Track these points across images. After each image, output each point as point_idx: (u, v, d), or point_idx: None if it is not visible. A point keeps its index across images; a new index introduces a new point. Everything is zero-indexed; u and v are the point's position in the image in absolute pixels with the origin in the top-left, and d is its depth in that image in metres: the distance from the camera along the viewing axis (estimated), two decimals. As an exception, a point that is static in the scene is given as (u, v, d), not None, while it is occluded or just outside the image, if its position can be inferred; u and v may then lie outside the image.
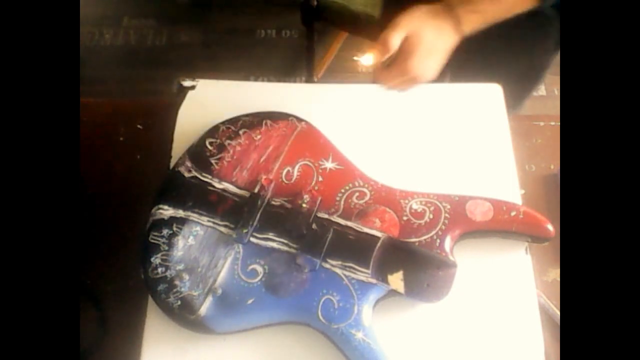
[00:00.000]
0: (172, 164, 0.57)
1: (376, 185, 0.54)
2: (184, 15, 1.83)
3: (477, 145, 0.59)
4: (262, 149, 0.55)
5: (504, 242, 0.53)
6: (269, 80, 1.67)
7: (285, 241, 0.51)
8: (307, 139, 0.56)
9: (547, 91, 1.55)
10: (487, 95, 0.62)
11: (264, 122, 0.57)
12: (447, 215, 0.52)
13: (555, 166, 0.67)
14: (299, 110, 0.58)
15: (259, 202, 0.52)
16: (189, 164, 0.55)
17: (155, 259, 0.50)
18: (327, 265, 0.50)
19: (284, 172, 0.54)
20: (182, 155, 0.56)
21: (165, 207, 0.53)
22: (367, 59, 0.64)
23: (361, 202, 0.53)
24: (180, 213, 0.52)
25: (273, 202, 0.53)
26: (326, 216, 0.52)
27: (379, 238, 0.51)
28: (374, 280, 0.49)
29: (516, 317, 0.51)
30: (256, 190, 0.53)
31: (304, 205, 0.52)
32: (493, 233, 0.52)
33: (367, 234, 0.51)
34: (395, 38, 0.58)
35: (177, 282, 0.49)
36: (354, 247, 0.50)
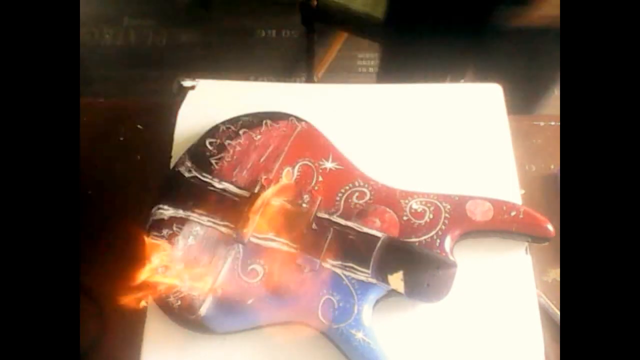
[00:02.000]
0: (172, 164, 0.57)
1: (376, 185, 0.54)
2: (184, 15, 1.83)
3: (477, 145, 0.59)
4: (262, 149, 0.55)
5: (504, 242, 0.53)
6: (269, 80, 1.67)
7: (285, 241, 0.51)
8: (307, 139, 0.56)
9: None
10: (487, 95, 0.62)
11: (264, 122, 0.57)
12: (447, 215, 0.52)
13: (555, 166, 0.67)
14: (299, 110, 0.58)
15: (259, 202, 0.52)
16: (189, 164, 0.55)
17: (156, 259, 0.50)
18: (327, 265, 0.50)
19: (284, 172, 0.54)
20: (182, 155, 0.56)
21: (165, 207, 0.53)
22: None
23: (361, 202, 0.53)
24: (180, 213, 0.52)
25: (273, 202, 0.53)
26: (326, 216, 0.52)
27: (379, 238, 0.51)
28: (374, 280, 0.49)
29: (516, 317, 0.51)
30: (256, 190, 0.53)
31: (304, 205, 0.52)
32: (493, 233, 0.52)
33: (367, 234, 0.51)
34: None
35: (177, 282, 0.49)
36: (354, 247, 0.51)
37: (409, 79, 0.64)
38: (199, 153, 0.55)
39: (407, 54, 0.92)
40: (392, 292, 0.49)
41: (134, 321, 0.51)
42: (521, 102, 0.73)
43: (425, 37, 0.82)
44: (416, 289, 0.49)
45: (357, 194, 0.53)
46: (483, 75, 0.89)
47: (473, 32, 0.80)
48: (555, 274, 0.60)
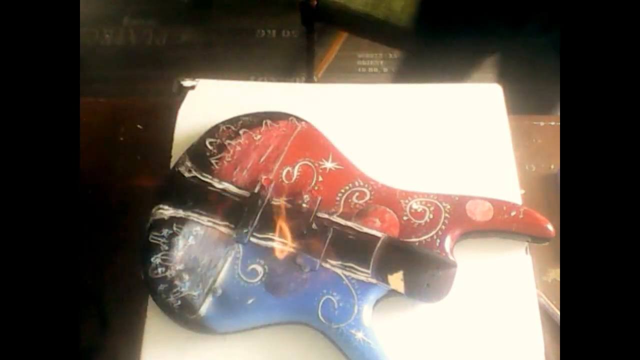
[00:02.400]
0: (172, 164, 0.57)
1: (376, 185, 0.54)
2: (184, 15, 1.83)
3: (477, 145, 0.59)
4: (262, 148, 0.55)
5: (504, 242, 0.53)
6: (269, 80, 1.67)
7: (285, 241, 0.51)
8: (307, 139, 0.56)
9: (547, 91, 1.55)
10: (487, 95, 0.62)
11: (264, 122, 0.57)
12: (447, 215, 0.52)
13: (555, 166, 0.67)
14: (299, 110, 0.58)
15: (259, 202, 0.52)
16: (189, 164, 0.55)
17: (156, 259, 0.50)
18: (327, 265, 0.50)
19: (284, 172, 0.54)
20: (182, 155, 0.56)
21: (165, 207, 0.53)
22: None
23: (361, 202, 0.53)
24: (180, 213, 0.52)
25: (273, 202, 0.53)
26: (326, 216, 0.52)
27: (379, 238, 0.51)
28: (374, 280, 0.49)
29: (516, 317, 0.51)
30: (256, 190, 0.53)
31: (304, 205, 0.52)
32: (493, 233, 0.52)
33: (367, 234, 0.51)
34: None
35: (177, 282, 0.49)
36: (354, 247, 0.51)
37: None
38: (199, 153, 0.55)
39: (435, 61, 0.92)
40: (392, 292, 0.49)
41: (134, 321, 0.51)
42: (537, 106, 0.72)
43: (455, 45, 0.83)
44: (416, 289, 0.49)
45: (357, 194, 0.53)
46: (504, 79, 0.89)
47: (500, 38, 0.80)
48: (555, 274, 0.60)
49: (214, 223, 0.52)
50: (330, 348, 0.49)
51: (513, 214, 0.52)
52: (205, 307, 0.49)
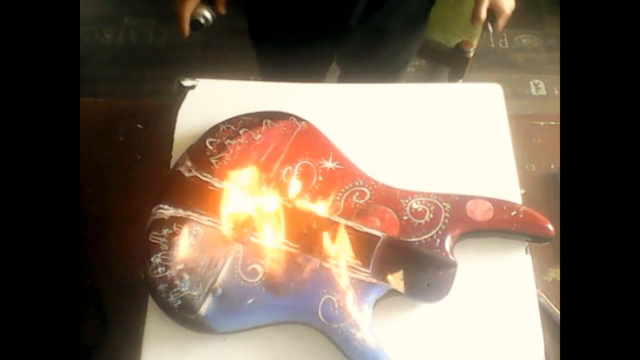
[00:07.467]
0: (172, 164, 0.57)
1: (376, 184, 0.54)
2: (184, 15, 1.82)
3: (477, 145, 0.59)
4: (262, 148, 0.55)
5: (504, 242, 0.53)
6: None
7: (286, 241, 0.51)
8: (307, 139, 0.56)
9: (547, 91, 1.55)
10: (487, 95, 0.62)
11: (264, 121, 0.57)
12: (447, 214, 0.52)
13: (555, 166, 0.67)
14: (299, 110, 0.58)
15: (259, 202, 0.52)
16: (189, 163, 0.55)
17: (156, 259, 0.50)
18: (327, 265, 0.50)
19: (284, 171, 0.54)
20: (182, 155, 0.56)
21: (166, 206, 0.53)
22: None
23: (361, 201, 0.53)
24: (181, 213, 0.52)
25: (273, 202, 0.53)
26: (326, 216, 0.52)
27: (379, 238, 0.51)
28: (374, 280, 0.49)
29: (516, 317, 0.51)
30: (257, 190, 0.53)
31: (304, 205, 0.52)
32: (493, 233, 0.52)
33: (367, 233, 0.51)
34: (483, 12, 0.68)
35: (177, 282, 0.49)
36: (354, 247, 0.50)
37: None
38: (199, 153, 0.55)
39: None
40: (392, 292, 0.49)
41: (134, 321, 0.51)
42: None
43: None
44: (416, 288, 0.49)
45: (357, 193, 0.53)
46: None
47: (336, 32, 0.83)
48: (555, 273, 0.60)
49: (214, 223, 0.52)
50: (330, 348, 0.49)
51: (513, 213, 0.52)
52: (205, 307, 0.49)
